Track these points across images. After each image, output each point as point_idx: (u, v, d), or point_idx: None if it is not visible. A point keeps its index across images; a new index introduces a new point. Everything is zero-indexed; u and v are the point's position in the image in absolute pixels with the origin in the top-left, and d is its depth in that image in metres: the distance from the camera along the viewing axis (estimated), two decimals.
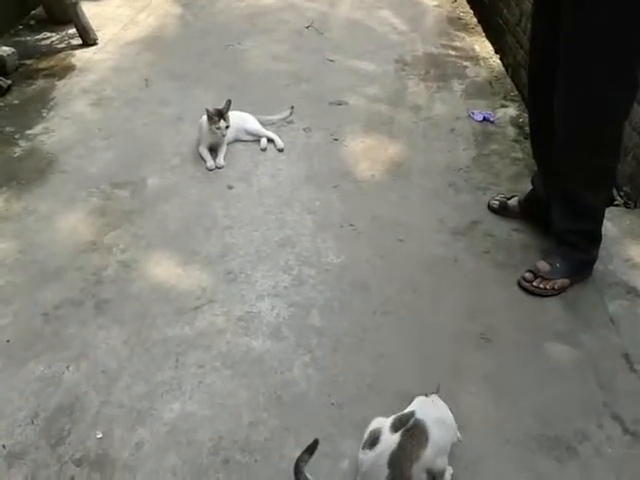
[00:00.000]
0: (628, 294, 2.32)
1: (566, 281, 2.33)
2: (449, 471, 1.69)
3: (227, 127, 3.04)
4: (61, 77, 3.94)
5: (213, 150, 3.15)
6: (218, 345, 2.12)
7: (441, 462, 1.63)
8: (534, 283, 2.33)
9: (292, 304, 2.30)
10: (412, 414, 1.61)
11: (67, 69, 4.05)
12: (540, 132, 2.47)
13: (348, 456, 1.75)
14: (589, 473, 1.74)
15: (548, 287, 2.32)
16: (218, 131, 3.03)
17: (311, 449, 1.74)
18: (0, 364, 2.04)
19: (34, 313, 2.23)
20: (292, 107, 3.49)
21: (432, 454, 1.59)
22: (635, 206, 2.85)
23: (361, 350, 2.11)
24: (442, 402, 1.67)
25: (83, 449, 1.79)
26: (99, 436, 1.82)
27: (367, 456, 1.61)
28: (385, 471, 1.56)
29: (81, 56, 4.24)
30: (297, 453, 1.73)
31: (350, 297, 2.33)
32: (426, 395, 1.69)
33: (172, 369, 2.03)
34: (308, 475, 1.67)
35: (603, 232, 2.44)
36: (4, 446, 1.80)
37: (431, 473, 1.60)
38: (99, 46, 4.37)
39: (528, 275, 2.35)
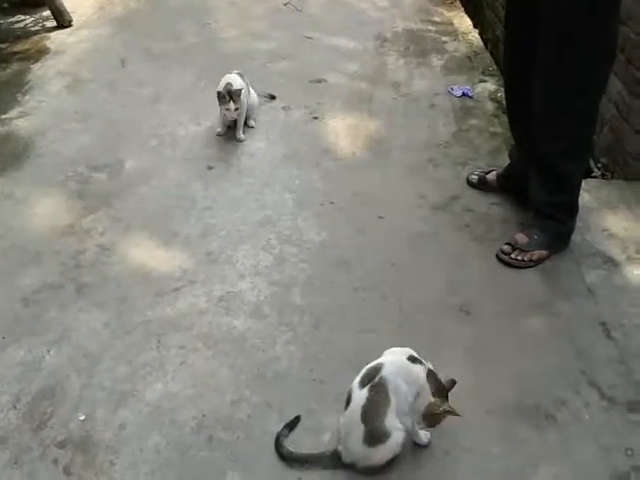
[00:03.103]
0: (605, 264, 2.35)
1: (544, 252, 2.35)
2: (426, 436, 1.72)
3: (236, 109, 2.91)
4: (36, 60, 3.89)
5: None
6: (199, 325, 2.12)
7: (409, 420, 1.64)
8: (512, 255, 2.35)
9: (273, 283, 2.30)
10: (379, 368, 1.61)
11: (42, 52, 4.00)
12: (517, 105, 2.47)
13: (330, 429, 1.77)
14: (567, 439, 1.77)
15: (526, 259, 2.34)
16: (227, 112, 2.92)
17: (292, 424, 1.77)
18: None
19: (13, 298, 2.22)
20: (274, 97, 3.46)
21: (400, 405, 1.59)
22: (612, 177, 2.88)
23: (342, 326, 2.12)
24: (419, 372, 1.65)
25: (66, 431, 1.79)
26: (82, 418, 1.82)
27: (344, 418, 1.63)
28: (361, 427, 1.58)
29: (56, 38, 4.18)
30: (280, 429, 1.76)
31: (331, 274, 2.34)
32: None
33: (154, 350, 2.03)
34: (290, 448, 1.69)
35: (580, 203, 2.46)
36: None
37: (403, 422, 1.62)
38: (74, 28, 4.32)
39: (506, 247, 2.37)
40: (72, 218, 2.59)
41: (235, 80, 3.02)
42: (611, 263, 2.36)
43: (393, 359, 1.66)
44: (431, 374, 1.63)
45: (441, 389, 1.62)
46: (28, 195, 2.72)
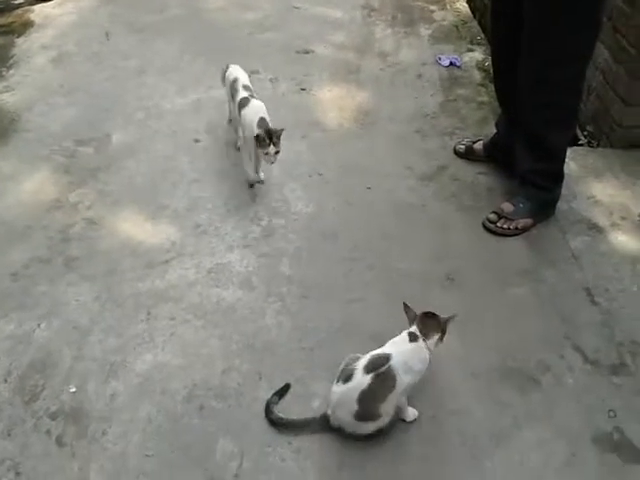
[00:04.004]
0: (590, 230, 2.38)
1: (529, 221, 2.37)
2: (413, 413, 1.76)
3: (277, 153, 2.42)
4: (20, 34, 3.84)
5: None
6: (189, 297, 2.14)
7: (404, 399, 1.70)
8: (498, 224, 2.37)
9: (262, 254, 2.31)
10: (387, 360, 1.65)
11: (26, 25, 3.94)
12: (504, 74, 2.47)
13: (319, 396, 1.80)
14: (551, 402, 1.81)
15: (512, 227, 2.36)
16: (266, 157, 2.43)
17: (281, 392, 1.80)
18: None
19: (2, 273, 2.23)
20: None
21: (397, 395, 1.66)
22: (598, 145, 2.89)
23: (330, 296, 2.14)
24: (422, 350, 1.70)
25: (58, 403, 1.82)
26: (73, 390, 1.85)
27: (339, 389, 1.67)
28: (354, 406, 1.63)
29: (40, 11, 4.12)
30: (270, 396, 1.79)
31: (319, 245, 2.36)
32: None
33: (144, 322, 2.05)
34: (279, 414, 1.73)
35: (566, 171, 2.48)
36: None
37: (395, 408, 1.68)
38: (58, 1, 4.24)
39: (492, 216, 2.39)
40: (59, 192, 2.58)
41: (245, 78, 2.72)
42: (596, 230, 2.38)
43: (401, 349, 1.69)
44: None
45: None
46: (14, 170, 2.71)
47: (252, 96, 2.60)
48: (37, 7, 4.19)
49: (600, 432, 1.74)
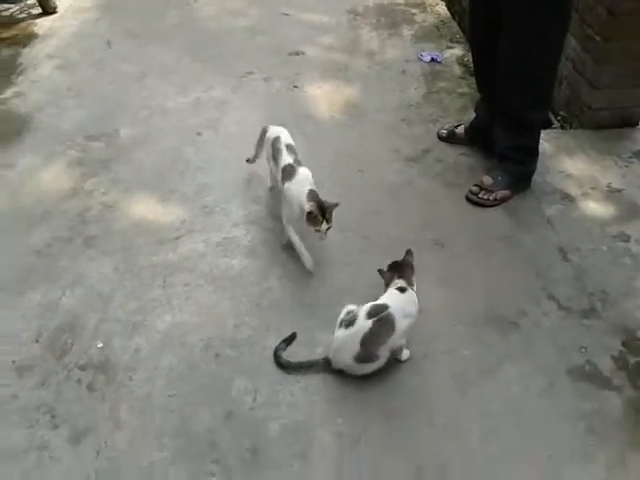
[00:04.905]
0: (563, 200, 2.61)
1: (507, 192, 2.60)
2: (406, 354, 1.97)
3: (329, 229, 2.20)
4: (25, 45, 4.05)
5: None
6: (201, 266, 2.35)
7: (401, 341, 1.91)
8: (479, 195, 2.59)
9: (265, 229, 2.52)
10: (386, 307, 1.88)
11: (30, 37, 4.15)
12: (483, 60, 2.68)
13: (322, 343, 2.01)
14: (530, 342, 2.03)
15: (491, 198, 2.59)
16: (318, 234, 2.21)
17: (289, 339, 2.01)
18: None
19: (27, 252, 2.42)
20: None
21: (396, 338, 1.87)
22: (570, 128, 3.14)
23: (329, 261, 2.36)
24: (413, 296, 1.95)
25: (86, 357, 2.01)
26: (100, 346, 2.05)
27: (342, 334, 1.88)
28: (357, 348, 1.84)
29: (42, 24, 4.34)
30: (278, 344, 2.00)
31: None
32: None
33: (161, 288, 2.25)
34: (287, 358, 1.93)
35: (541, 151, 2.71)
36: (13, 361, 2.01)
37: (392, 350, 1.90)
38: (59, 14, 4.46)
39: (474, 189, 2.61)
40: (74, 182, 2.79)
41: (287, 137, 2.49)
42: (568, 199, 2.62)
43: (396, 299, 1.92)
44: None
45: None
46: (31, 165, 2.91)
47: (298, 162, 2.36)
48: (39, 20, 4.41)
49: (573, 365, 1.96)
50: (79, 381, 1.94)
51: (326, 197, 2.25)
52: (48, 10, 4.45)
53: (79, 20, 4.38)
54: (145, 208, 2.63)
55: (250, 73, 3.65)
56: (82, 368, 1.98)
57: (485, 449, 1.74)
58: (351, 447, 1.74)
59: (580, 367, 1.95)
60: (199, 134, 3.12)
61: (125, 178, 2.81)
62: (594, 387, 1.90)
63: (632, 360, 1.97)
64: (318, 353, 1.99)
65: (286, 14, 4.36)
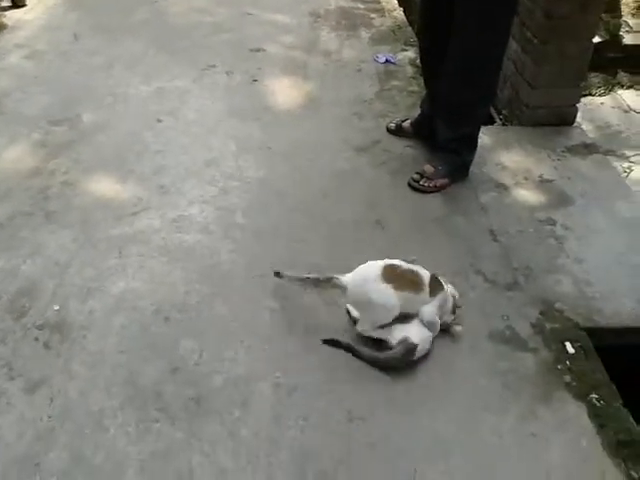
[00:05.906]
0: (497, 188, 2.82)
1: (446, 180, 2.80)
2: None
3: None
4: None
5: None
6: (155, 240, 2.49)
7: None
8: (420, 182, 2.79)
9: (218, 208, 2.68)
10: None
11: None
12: (430, 57, 2.87)
13: (269, 308, 2.18)
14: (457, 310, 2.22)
15: (431, 185, 2.78)
16: None
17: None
18: None
19: None
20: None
21: None
22: (511, 124, 3.36)
23: (277, 238, 2.52)
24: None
25: (43, 318, 2.14)
26: (56, 308, 2.17)
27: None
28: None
29: (12, 16, 4.43)
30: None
31: (269, 201, 2.73)
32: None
33: (116, 258, 2.39)
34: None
35: (480, 144, 2.92)
36: None
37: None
38: (28, 7, 4.56)
39: (416, 176, 2.81)
40: (37, 162, 2.91)
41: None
42: (502, 187, 2.83)
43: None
44: None
45: None
46: None
47: None
48: (9, 13, 4.50)
49: (495, 330, 2.15)
50: (36, 339, 2.07)
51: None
52: (18, 3, 4.54)
53: (48, 14, 4.50)
54: (104, 187, 2.76)
55: (213, 66, 3.80)
56: (39, 328, 2.10)
57: (410, 397, 1.92)
58: (287, 395, 1.91)
59: (500, 332, 2.15)
60: (159, 120, 3.26)
61: (86, 159, 2.94)
62: (511, 348, 2.09)
63: (548, 326, 2.17)
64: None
65: (250, 14, 4.53)
